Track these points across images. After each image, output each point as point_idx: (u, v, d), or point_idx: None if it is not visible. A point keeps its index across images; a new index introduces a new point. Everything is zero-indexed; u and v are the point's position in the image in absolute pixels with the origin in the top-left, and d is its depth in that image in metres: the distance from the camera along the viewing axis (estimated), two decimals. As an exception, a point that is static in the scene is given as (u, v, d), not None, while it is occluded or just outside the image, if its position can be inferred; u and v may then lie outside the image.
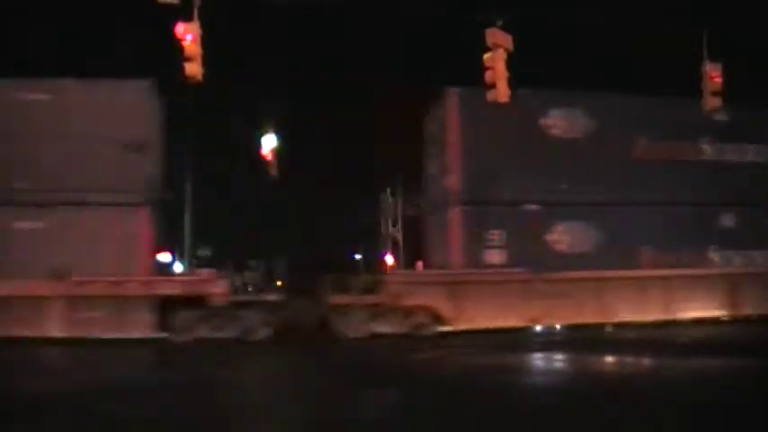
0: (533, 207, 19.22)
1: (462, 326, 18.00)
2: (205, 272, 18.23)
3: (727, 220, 20.39)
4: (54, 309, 16.53)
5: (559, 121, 19.62)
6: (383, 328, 18.02)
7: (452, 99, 19.43)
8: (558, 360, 14.79)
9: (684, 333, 18.03)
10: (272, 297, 17.98)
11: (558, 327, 19.39)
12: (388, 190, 26.41)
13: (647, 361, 14.18)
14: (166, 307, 16.94)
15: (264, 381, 12.68)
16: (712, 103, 16.67)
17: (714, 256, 20.27)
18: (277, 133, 21.74)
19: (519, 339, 17.70)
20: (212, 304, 17.10)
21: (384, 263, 25.61)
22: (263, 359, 15.54)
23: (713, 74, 16.52)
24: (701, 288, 19.67)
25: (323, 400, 9.94)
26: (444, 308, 18.05)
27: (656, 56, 19.03)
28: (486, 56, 16.13)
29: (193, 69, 14.98)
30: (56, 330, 16.45)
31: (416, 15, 19.93)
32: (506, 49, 16.05)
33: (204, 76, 15.12)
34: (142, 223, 17.49)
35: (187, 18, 14.91)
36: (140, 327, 16.79)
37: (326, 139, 28.66)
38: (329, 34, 20.53)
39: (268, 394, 11.08)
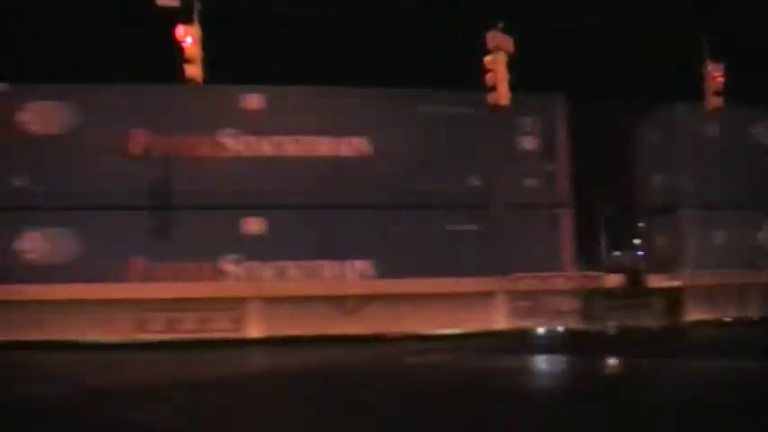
0: None
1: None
2: None
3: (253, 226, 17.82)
4: None
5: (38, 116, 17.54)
6: None
7: None
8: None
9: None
10: None
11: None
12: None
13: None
14: None
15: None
16: (714, 102, 16.74)
17: (232, 267, 17.74)
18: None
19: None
20: None
21: None
22: None
23: (715, 74, 16.59)
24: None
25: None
26: None
27: (658, 56, 18.99)
28: (487, 58, 16.20)
29: (193, 71, 15.05)
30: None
31: (417, 17, 19.94)
32: (507, 52, 16.11)
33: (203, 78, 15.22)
34: None
35: (187, 20, 14.98)
36: None
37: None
38: (329, 35, 20.49)
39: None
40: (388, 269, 17.76)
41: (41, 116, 17.52)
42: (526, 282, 17.84)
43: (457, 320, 17.75)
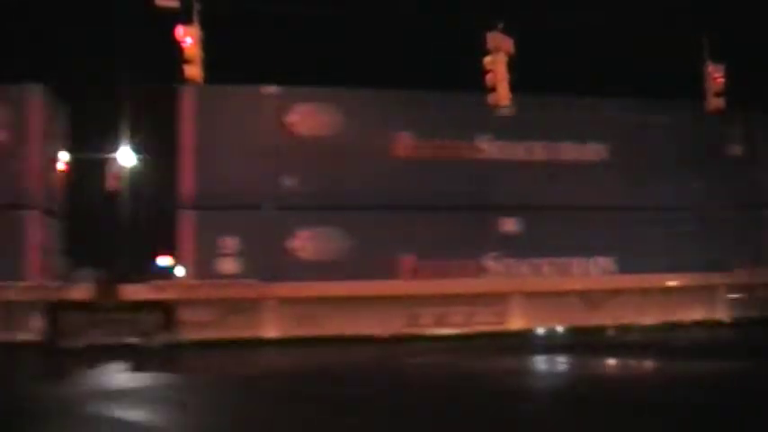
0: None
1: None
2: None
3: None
4: None
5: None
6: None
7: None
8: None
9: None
10: None
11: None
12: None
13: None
14: None
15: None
16: (715, 103, 16.74)
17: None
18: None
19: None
20: None
21: None
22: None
23: (715, 75, 16.60)
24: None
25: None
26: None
27: (658, 57, 19.00)
28: (487, 59, 16.24)
29: (193, 72, 15.05)
30: None
31: (417, 17, 19.95)
32: (507, 53, 16.13)
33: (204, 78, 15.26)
34: None
35: (187, 21, 14.99)
36: None
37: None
38: (330, 36, 20.48)
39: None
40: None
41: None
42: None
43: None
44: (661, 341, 17.22)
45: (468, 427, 8.08)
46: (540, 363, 14.62)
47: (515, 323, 18.12)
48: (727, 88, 16.73)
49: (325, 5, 17.93)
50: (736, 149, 20.11)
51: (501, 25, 16.33)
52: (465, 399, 9.86)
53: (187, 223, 17.24)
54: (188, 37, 14.95)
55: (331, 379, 12.18)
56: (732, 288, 19.35)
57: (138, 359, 14.71)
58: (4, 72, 16.91)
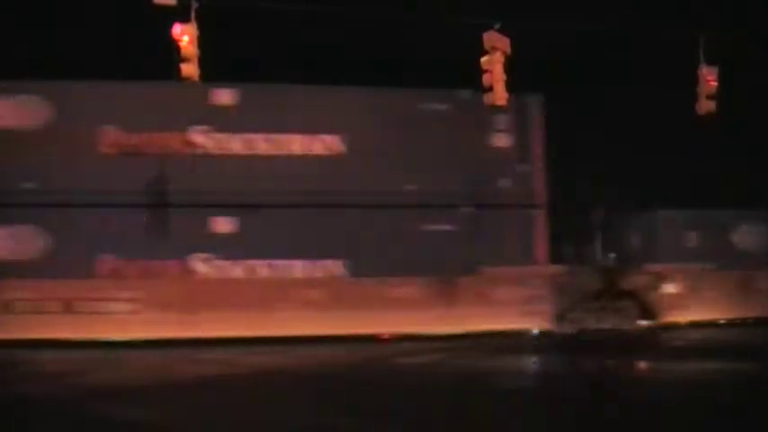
0: None
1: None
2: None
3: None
4: None
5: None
6: None
7: None
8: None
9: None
10: None
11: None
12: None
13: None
14: None
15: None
16: (707, 106, 16.72)
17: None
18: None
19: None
20: None
21: None
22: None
23: (709, 77, 16.59)
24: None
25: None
26: None
27: (653, 58, 19.04)
28: (484, 59, 16.24)
29: (190, 70, 15.10)
30: None
31: (414, 17, 19.97)
32: (504, 52, 16.15)
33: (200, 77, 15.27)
34: None
35: (184, 19, 15.00)
36: None
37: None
38: (327, 34, 20.52)
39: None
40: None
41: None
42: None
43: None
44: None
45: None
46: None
47: None
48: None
49: (325, 2, 17.93)
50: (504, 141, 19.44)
51: (498, 25, 16.32)
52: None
53: None
54: (185, 35, 14.96)
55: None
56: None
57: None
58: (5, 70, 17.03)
